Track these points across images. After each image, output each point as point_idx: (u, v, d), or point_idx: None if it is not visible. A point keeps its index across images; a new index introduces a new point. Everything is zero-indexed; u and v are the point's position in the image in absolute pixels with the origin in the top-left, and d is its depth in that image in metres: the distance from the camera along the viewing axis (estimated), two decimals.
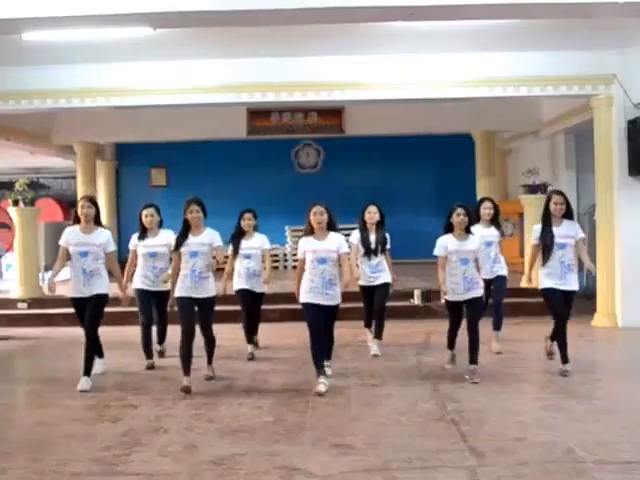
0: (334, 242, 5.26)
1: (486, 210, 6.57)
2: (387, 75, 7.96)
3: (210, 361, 5.66)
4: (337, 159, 13.37)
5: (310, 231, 5.30)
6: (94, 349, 5.58)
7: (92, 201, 5.64)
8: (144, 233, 6.25)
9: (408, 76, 7.95)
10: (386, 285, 6.47)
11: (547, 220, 5.64)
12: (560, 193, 5.76)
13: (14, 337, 8.02)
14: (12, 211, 9.39)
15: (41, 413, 4.77)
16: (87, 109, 8.72)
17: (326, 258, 5.21)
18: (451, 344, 5.93)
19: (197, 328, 5.42)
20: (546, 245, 5.59)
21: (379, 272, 6.42)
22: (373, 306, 6.47)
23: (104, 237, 5.56)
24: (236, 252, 6.42)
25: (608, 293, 8.06)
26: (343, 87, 8.00)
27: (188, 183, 12.21)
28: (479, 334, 5.52)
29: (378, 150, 13.01)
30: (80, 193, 11.67)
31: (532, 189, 9.38)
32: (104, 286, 5.54)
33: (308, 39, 7.05)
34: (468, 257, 5.57)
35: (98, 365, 5.78)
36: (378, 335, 6.49)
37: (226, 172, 13.19)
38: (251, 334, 6.49)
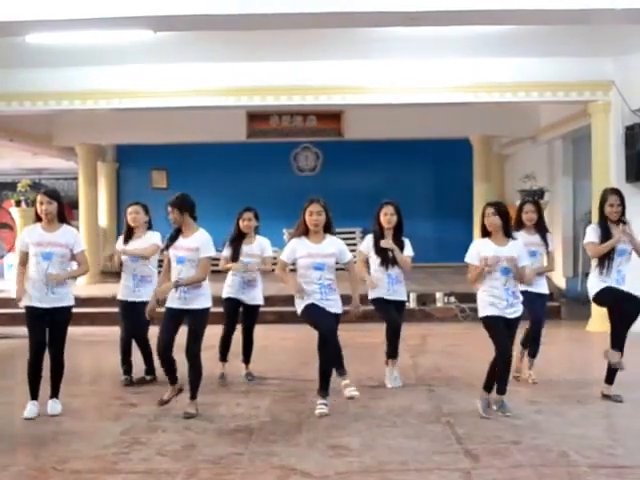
0: (333, 246, 4.69)
1: (527, 214, 5.48)
2: (386, 80, 8.02)
3: (194, 395, 4.70)
4: (335, 162, 13.42)
5: (303, 232, 4.69)
6: (60, 374, 4.82)
7: (52, 195, 4.75)
8: (130, 234, 5.59)
9: (407, 81, 8.02)
10: (403, 304, 5.59)
11: (603, 225, 4.93)
12: (617, 192, 4.97)
13: (15, 336, 8.06)
14: (14, 212, 9.46)
15: (41, 411, 4.78)
16: (89, 111, 8.81)
17: (323, 264, 4.63)
18: (490, 383, 4.69)
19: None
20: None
21: (398, 283, 5.41)
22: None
23: (71, 235, 4.75)
24: (235, 258, 5.59)
25: None
26: (342, 91, 8.08)
27: (188, 185, 12.20)
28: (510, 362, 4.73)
29: (376, 154, 13.06)
30: (82, 194, 11.75)
31: (529, 194, 9.43)
32: (70, 297, 4.77)
33: (308, 43, 7.11)
34: (509, 265, 4.58)
35: (54, 405, 4.82)
36: (395, 354, 5.53)
37: (226, 174, 13.24)
38: (243, 361, 5.86)
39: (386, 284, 5.34)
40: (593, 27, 6.34)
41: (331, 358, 4.74)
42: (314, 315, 4.66)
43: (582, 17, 5.57)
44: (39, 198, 4.72)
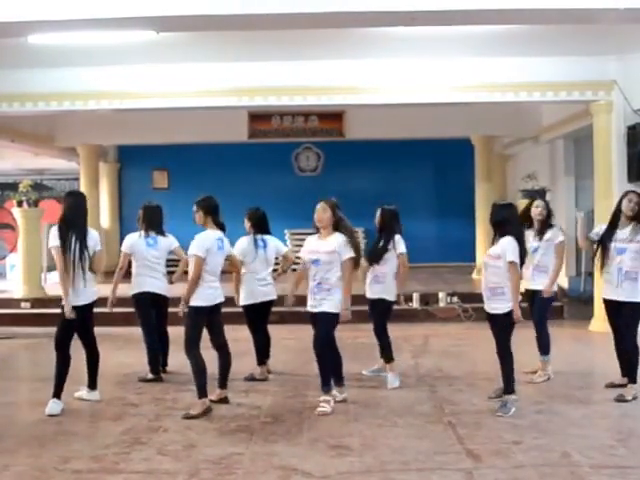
0: (333, 243, 4.78)
1: (538, 209, 5.69)
2: (387, 80, 8.00)
3: (223, 384, 5.05)
4: (337, 163, 13.41)
5: (318, 230, 4.91)
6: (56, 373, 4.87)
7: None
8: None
9: (408, 81, 7.99)
10: (379, 301, 5.61)
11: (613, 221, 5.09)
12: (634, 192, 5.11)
13: (17, 336, 8.08)
14: (16, 212, 9.46)
15: (43, 411, 4.79)
16: (90, 112, 8.80)
17: (318, 260, 4.77)
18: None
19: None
20: (604, 248, 5.05)
21: (376, 283, 5.60)
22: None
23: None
24: None
25: None
26: (344, 91, 8.05)
27: (190, 186, 12.25)
28: (506, 359, 4.78)
29: (378, 154, 13.05)
30: None
31: (530, 194, 9.41)
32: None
33: (309, 43, 7.09)
34: (488, 261, 4.86)
35: (54, 405, 4.82)
36: (385, 358, 5.65)
37: (227, 175, 13.22)
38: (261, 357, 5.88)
39: (369, 282, 5.65)
40: (595, 26, 6.31)
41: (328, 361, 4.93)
42: (312, 324, 4.95)
43: (585, 16, 5.54)
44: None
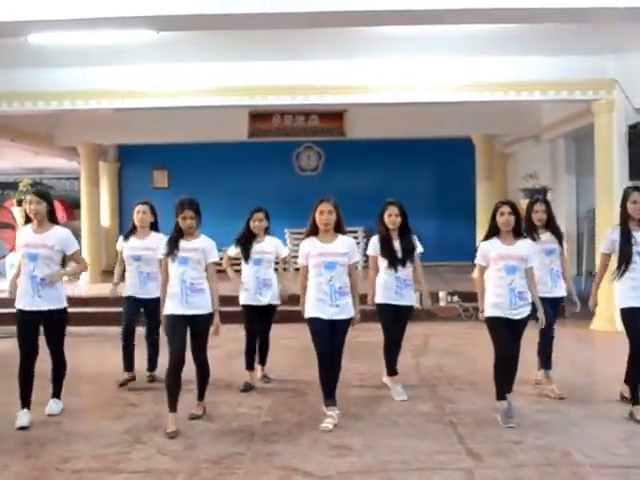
0: (344, 245, 4.55)
1: (537, 214, 5.24)
2: (388, 79, 8.00)
3: (201, 396, 4.70)
4: (338, 162, 13.41)
5: (314, 231, 4.58)
6: (59, 374, 4.79)
7: (42, 195, 4.63)
8: (132, 233, 5.68)
9: (409, 80, 7.99)
10: (411, 309, 5.27)
11: (624, 223, 4.64)
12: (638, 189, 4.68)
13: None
14: (16, 211, 9.46)
15: (42, 411, 4.77)
16: (90, 111, 8.79)
17: (335, 263, 4.47)
18: (500, 390, 4.55)
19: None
20: (624, 253, 4.60)
21: (407, 287, 5.17)
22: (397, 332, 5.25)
23: (62, 237, 4.60)
24: (247, 258, 5.54)
25: (607, 297, 8.04)
26: (345, 90, 8.05)
27: (190, 185, 12.22)
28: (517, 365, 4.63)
29: (378, 153, 13.06)
30: (83, 194, 11.75)
31: (532, 193, 9.41)
32: (60, 300, 4.61)
33: (310, 42, 7.09)
34: (517, 265, 4.50)
35: (54, 405, 4.79)
36: (395, 370, 5.32)
37: (227, 174, 13.25)
38: (259, 362, 5.72)
39: (395, 287, 5.12)
40: (596, 25, 6.31)
41: (328, 374, 4.61)
42: (314, 333, 4.55)
43: (586, 15, 5.54)
44: (28, 198, 4.61)
